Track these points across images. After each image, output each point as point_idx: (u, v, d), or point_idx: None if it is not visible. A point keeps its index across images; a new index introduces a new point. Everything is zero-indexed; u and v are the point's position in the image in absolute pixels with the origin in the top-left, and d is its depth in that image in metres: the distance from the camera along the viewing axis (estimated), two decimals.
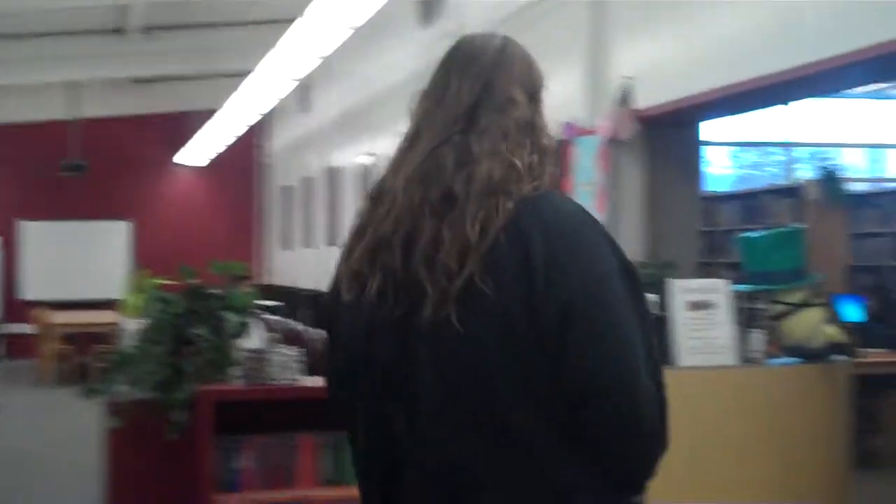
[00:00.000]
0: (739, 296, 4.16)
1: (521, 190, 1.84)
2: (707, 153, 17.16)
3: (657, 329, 1.90)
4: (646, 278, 7.01)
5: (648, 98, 8.02)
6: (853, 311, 8.71)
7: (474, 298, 1.77)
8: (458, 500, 1.79)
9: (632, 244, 8.03)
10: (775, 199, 11.98)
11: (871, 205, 12.47)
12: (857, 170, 17.51)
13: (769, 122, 17.23)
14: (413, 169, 1.89)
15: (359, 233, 1.94)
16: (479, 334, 1.77)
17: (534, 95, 1.99)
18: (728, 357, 4.00)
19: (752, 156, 19.08)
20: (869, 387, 7.75)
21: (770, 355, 4.11)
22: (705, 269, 12.77)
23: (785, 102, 13.11)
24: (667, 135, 8.44)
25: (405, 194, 1.88)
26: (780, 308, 4.07)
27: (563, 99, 8.95)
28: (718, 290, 4.04)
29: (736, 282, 4.39)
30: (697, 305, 4.01)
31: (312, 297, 12.34)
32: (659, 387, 1.82)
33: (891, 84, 15.32)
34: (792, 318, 4.06)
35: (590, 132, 8.55)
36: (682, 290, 4.04)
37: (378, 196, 1.94)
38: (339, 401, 1.99)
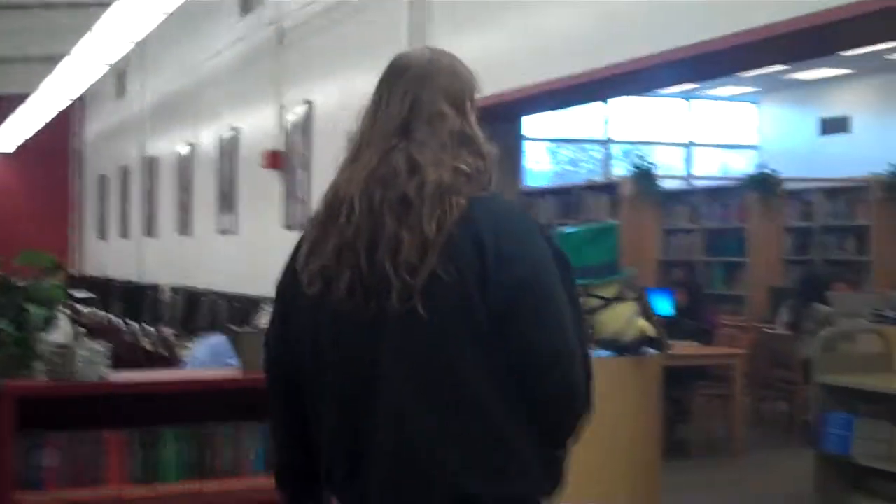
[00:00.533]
0: None
1: (470, 191, 2.07)
2: (526, 148, 17.47)
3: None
4: None
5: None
6: (663, 305, 8.95)
7: (436, 287, 2.02)
8: (422, 458, 2.05)
9: None
10: (592, 195, 12.25)
11: (682, 201, 12.87)
12: (670, 167, 18.03)
13: (587, 119, 17.61)
14: (368, 174, 2.11)
15: (319, 236, 2.16)
16: (443, 319, 2.02)
17: (461, 106, 2.19)
18: None
19: (569, 152, 19.44)
20: (678, 379, 8.00)
21: None
22: None
23: (603, 100, 13.43)
24: (489, 128, 8.50)
25: (363, 198, 2.09)
26: (594, 302, 4.14)
27: None
28: None
29: None
30: None
31: (126, 289, 12.05)
32: (585, 356, 2.12)
33: (703, 84, 15.83)
34: (605, 312, 4.13)
35: None
36: None
37: (334, 202, 2.15)
38: (283, 380, 2.26)
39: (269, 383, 2.31)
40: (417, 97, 2.16)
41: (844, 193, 12.12)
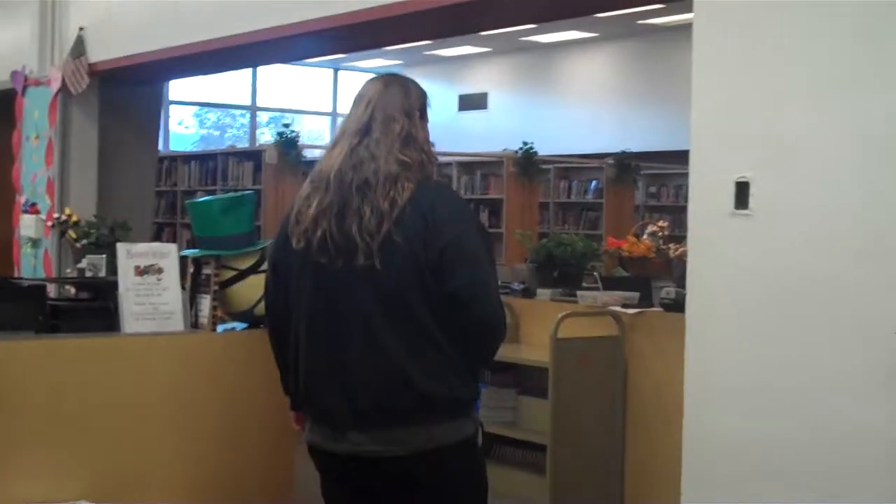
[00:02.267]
0: (188, 260, 4.10)
1: (415, 177, 2.93)
2: (171, 112, 17.04)
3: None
4: (98, 238, 6.74)
5: (105, 52, 7.74)
6: None
7: (390, 247, 2.87)
8: (390, 367, 2.87)
9: (83, 202, 7.73)
10: (236, 162, 12.08)
11: None
12: (318, 136, 18.11)
13: (235, 85, 17.37)
14: (341, 161, 2.96)
15: (304, 205, 2.99)
16: (394, 270, 2.87)
17: (410, 114, 3.03)
18: (176, 323, 3.93)
19: (216, 117, 19.13)
20: None
21: (219, 321, 4.08)
22: (166, 230, 12.67)
23: (248, 66, 13.26)
24: (123, 91, 8.20)
25: (336, 178, 2.95)
26: (228, 274, 4.05)
27: (13, 47, 8.44)
28: (166, 255, 3.95)
29: (189, 245, 4.32)
30: (145, 270, 3.90)
31: None
32: (498, 298, 2.97)
33: (349, 55, 15.96)
34: (240, 284, 4.05)
35: (41, 83, 8.12)
36: (130, 255, 3.90)
37: (316, 179, 3.00)
38: (277, 314, 3.12)
39: (269, 320, 3.23)
40: (376, 106, 3.01)
41: (480, 168, 12.60)
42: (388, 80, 3.09)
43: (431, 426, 2.89)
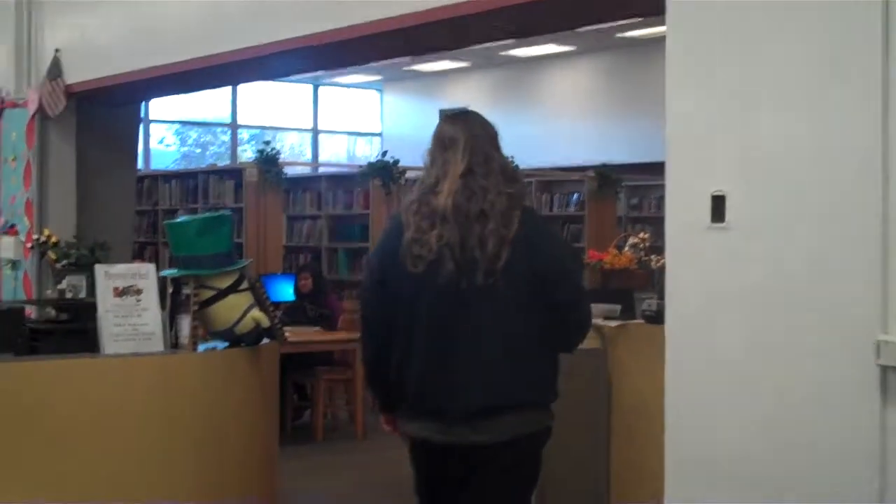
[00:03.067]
0: (167, 280, 4.10)
1: (519, 206, 3.44)
2: (151, 130, 17.01)
3: None
4: (77, 259, 6.71)
5: (81, 73, 7.74)
6: (287, 291, 8.97)
7: (507, 268, 3.35)
8: (495, 374, 3.38)
9: (62, 223, 7.71)
10: (217, 180, 12.06)
11: (307, 188, 12.94)
12: (299, 153, 18.11)
13: (216, 102, 17.36)
14: (454, 199, 3.40)
15: (418, 234, 3.41)
16: (509, 287, 3.35)
17: (497, 147, 3.54)
18: (156, 343, 3.93)
19: (197, 135, 19.10)
20: (302, 364, 8.04)
21: (199, 340, 4.08)
22: (148, 249, 12.64)
23: (226, 85, 13.25)
24: (101, 111, 8.19)
25: (454, 213, 3.39)
26: (207, 294, 4.05)
27: None
28: (145, 275, 3.95)
29: (169, 265, 4.32)
30: (124, 291, 3.89)
31: None
32: (588, 305, 3.60)
33: (329, 71, 15.98)
34: (219, 303, 4.05)
35: (18, 105, 8.11)
36: (108, 276, 3.90)
37: (430, 213, 3.42)
38: (381, 328, 3.50)
39: (370, 330, 3.56)
40: (473, 149, 3.46)
41: None
42: (471, 120, 3.56)
43: (524, 418, 3.44)
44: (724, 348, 3.59)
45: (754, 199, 3.48)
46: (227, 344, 4.16)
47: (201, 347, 4.11)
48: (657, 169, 9.68)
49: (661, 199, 13.66)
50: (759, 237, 3.47)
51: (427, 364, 3.41)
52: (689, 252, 3.68)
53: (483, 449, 3.40)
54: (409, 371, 3.44)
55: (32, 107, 7.93)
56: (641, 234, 7.44)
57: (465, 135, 3.47)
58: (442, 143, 3.49)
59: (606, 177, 12.62)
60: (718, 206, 3.54)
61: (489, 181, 3.41)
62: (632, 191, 14.05)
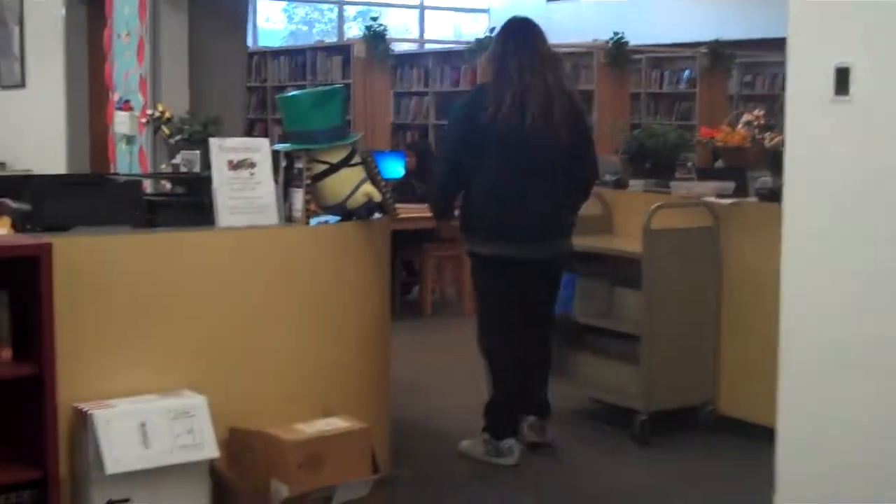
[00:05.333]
0: (280, 155, 4.12)
1: (570, 87, 5.00)
2: (258, 7, 17.01)
3: None
4: (191, 134, 6.80)
5: None
6: (395, 168, 8.99)
7: (561, 130, 4.78)
8: (552, 207, 4.89)
9: (175, 99, 7.78)
10: (325, 57, 12.06)
11: (415, 65, 12.87)
12: (403, 30, 17.98)
13: None
14: (528, 80, 4.76)
15: (499, 99, 4.74)
16: (563, 145, 4.81)
17: (545, 41, 4.90)
18: (270, 217, 3.97)
19: (304, 12, 19.06)
20: (409, 241, 8.08)
21: (312, 214, 4.11)
22: (257, 126, 12.75)
23: None
24: None
25: (531, 91, 4.76)
26: (319, 167, 4.06)
27: None
28: (259, 149, 3.97)
29: (281, 139, 4.34)
30: (238, 164, 3.93)
31: None
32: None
33: None
34: (331, 178, 4.07)
35: None
36: (223, 149, 3.93)
37: (510, 83, 4.77)
38: (457, 167, 4.91)
39: (453, 171, 4.92)
40: (535, 47, 4.86)
41: (570, 59, 12.41)
42: (533, 23, 4.96)
43: (563, 241, 5.00)
44: (845, 226, 3.51)
45: (881, 71, 3.36)
46: (338, 218, 4.18)
47: (313, 222, 4.14)
48: (772, 45, 9.43)
49: (775, 76, 13.33)
50: (884, 111, 3.36)
51: (504, 195, 4.79)
52: (810, 126, 3.58)
53: (538, 261, 4.87)
54: (491, 205, 4.81)
55: None
56: (756, 112, 7.27)
57: (530, 29, 4.93)
58: (510, 40, 4.88)
59: (719, 53, 12.32)
60: (843, 79, 3.43)
61: (552, 73, 4.82)
62: (745, 68, 13.71)
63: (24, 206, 3.74)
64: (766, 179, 5.39)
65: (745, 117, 7.09)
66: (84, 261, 3.50)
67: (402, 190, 8.44)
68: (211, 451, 3.51)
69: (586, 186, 5.08)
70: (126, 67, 8.23)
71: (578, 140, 4.85)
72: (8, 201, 3.75)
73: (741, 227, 5.32)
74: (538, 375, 5.14)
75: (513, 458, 4.89)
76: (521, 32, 4.86)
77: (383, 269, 4.45)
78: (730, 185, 5.58)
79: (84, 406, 3.42)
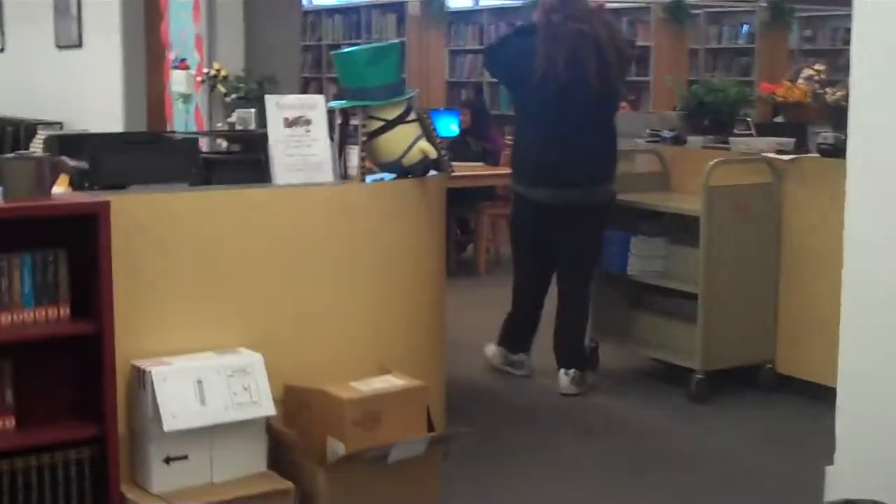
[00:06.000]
0: (336, 112, 4.10)
1: (614, 43, 5.20)
2: None
3: None
4: (246, 92, 6.82)
5: None
6: (449, 126, 8.94)
7: (602, 75, 5.12)
8: (593, 155, 5.23)
9: (231, 58, 7.80)
10: (379, 14, 12.02)
11: (469, 21, 12.79)
12: None
13: None
14: (574, 36, 5.09)
15: (547, 49, 5.11)
16: (603, 94, 5.17)
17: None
18: (325, 174, 3.96)
19: None
20: (464, 199, 8.06)
21: (367, 172, 4.10)
22: (312, 84, 12.75)
23: None
24: None
25: (575, 44, 5.10)
26: (375, 124, 4.04)
27: None
28: (314, 106, 3.95)
29: (335, 97, 4.32)
30: (294, 122, 3.91)
31: None
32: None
33: None
34: (387, 134, 4.04)
35: None
36: (279, 106, 3.92)
37: (557, 33, 5.10)
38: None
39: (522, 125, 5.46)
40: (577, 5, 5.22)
41: (627, 14, 12.28)
42: None
43: (604, 188, 5.30)
44: None
45: None
46: (394, 175, 4.17)
47: (369, 179, 4.12)
48: None
49: (836, 30, 13.09)
50: None
51: (548, 143, 5.16)
52: (876, 80, 3.50)
53: (578, 206, 5.21)
54: (525, 146, 5.30)
55: None
56: (816, 66, 7.14)
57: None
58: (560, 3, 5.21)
59: (779, 7, 12.10)
60: None
61: (596, 23, 5.17)
62: (805, 22, 13.47)
63: (82, 165, 3.76)
64: (827, 135, 5.29)
65: (806, 72, 6.98)
66: (141, 218, 3.51)
67: (456, 148, 8.41)
68: (267, 408, 3.52)
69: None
70: (182, 26, 8.26)
71: (609, 87, 5.21)
72: (66, 159, 3.76)
73: (802, 182, 5.23)
74: (569, 327, 5.40)
75: (523, 370, 5.63)
76: None
77: (439, 226, 4.43)
78: (790, 141, 5.49)
79: (141, 363, 3.44)
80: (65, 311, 3.32)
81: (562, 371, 5.33)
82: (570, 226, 5.26)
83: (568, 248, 5.33)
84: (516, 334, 5.63)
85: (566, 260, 5.36)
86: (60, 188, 3.68)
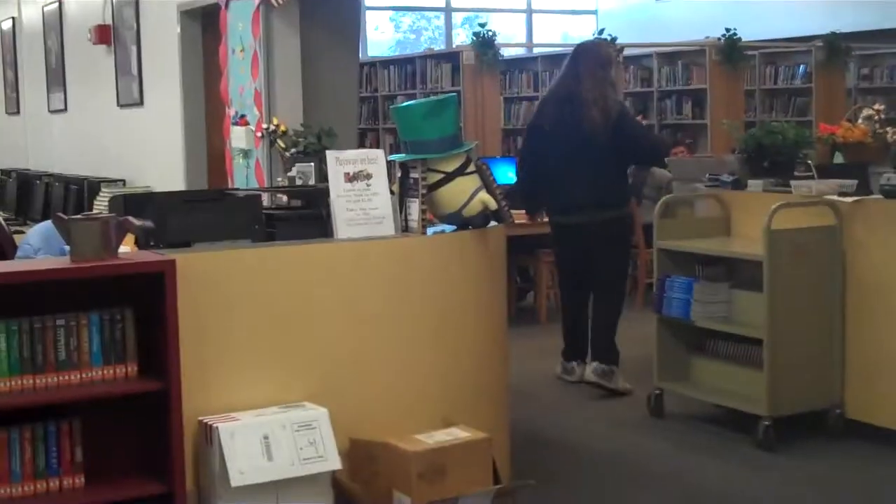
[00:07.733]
0: (395, 165, 4.13)
1: (613, 98, 6.32)
2: (367, 18, 17.15)
3: None
4: (305, 146, 6.89)
5: None
6: (505, 174, 8.95)
7: (601, 128, 6.08)
8: (603, 186, 6.22)
9: (289, 112, 7.88)
10: (434, 65, 12.10)
11: (524, 69, 12.84)
12: (511, 35, 17.95)
13: None
14: (564, 91, 6.24)
15: (549, 108, 6.32)
16: (605, 141, 6.09)
17: (605, 66, 6.28)
18: (387, 228, 3.98)
19: (411, 20, 19.17)
20: (523, 247, 8.05)
21: (428, 224, 4.11)
22: (369, 136, 12.84)
23: None
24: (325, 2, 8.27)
25: (573, 98, 6.16)
26: (434, 177, 4.06)
27: None
28: (375, 160, 3.99)
29: (393, 148, 4.35)
30: (354, 176, 3.95)
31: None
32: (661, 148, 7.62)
33: None
34: (447, 187, 4.06)
35: None
36: (339, 161, 3.95)
37: (551, 97, 6.39)
38: (534, 165, 6.42)
39: (530, 167, 6.47)
40: (584, 64, 6.21)
41: (681, 58, 12.27)
42: (590, 45, 6.59)
43: (614, 210, 6.22)
44: None
45: None
46: (455, 227, 4.18)
47: (430, 231, 4.14)
48: (890, 35, 9.19)
49: (893, 68, 12.98)
50: None
51: (567, 179, 6.17)
52: None
53: (595, 224, 6.12)
54: (554, 185, 6.26)
55: None
56: (876, 105, 7.08)
57: (582, 53, 6.32)
58: (570, 59, 6.31)
59: (835, 46, 12.02)
60: None
61: (588, 83, 6.11)
62: (862, 60, 13.37)
63: (148, 224, 3.81)
64: (891, 176, 5.23)
65: (866, 111, 6.92)
66: (206, 276, 3.55)
67: (515, 195, 8.40)
68: (333, 462, 3.53)
69: (651, 162, 7.80)
70: (241, 82, 8.36)
71: (621, 136, 6.11)
72: (132, 219, 3.82)
73: (865, 225, 5.18)
74: (600, 328, 6.29)
75: (574, 375, 6.39)
76: (573, 56, 6.30)
77: (500, 276, 4.43)
78: (852, 183, 5.44)
79: (208, 419, 3.46)
80: (132, 368, 3.37)
81: (592, 363, 6.21)
82: (589, 242, 6.25)
83: (595, 261, 6.26)
84: (568, 344, 6.49)
85: (595, 272, 6.30)
86: (126, 247, 3.73)
